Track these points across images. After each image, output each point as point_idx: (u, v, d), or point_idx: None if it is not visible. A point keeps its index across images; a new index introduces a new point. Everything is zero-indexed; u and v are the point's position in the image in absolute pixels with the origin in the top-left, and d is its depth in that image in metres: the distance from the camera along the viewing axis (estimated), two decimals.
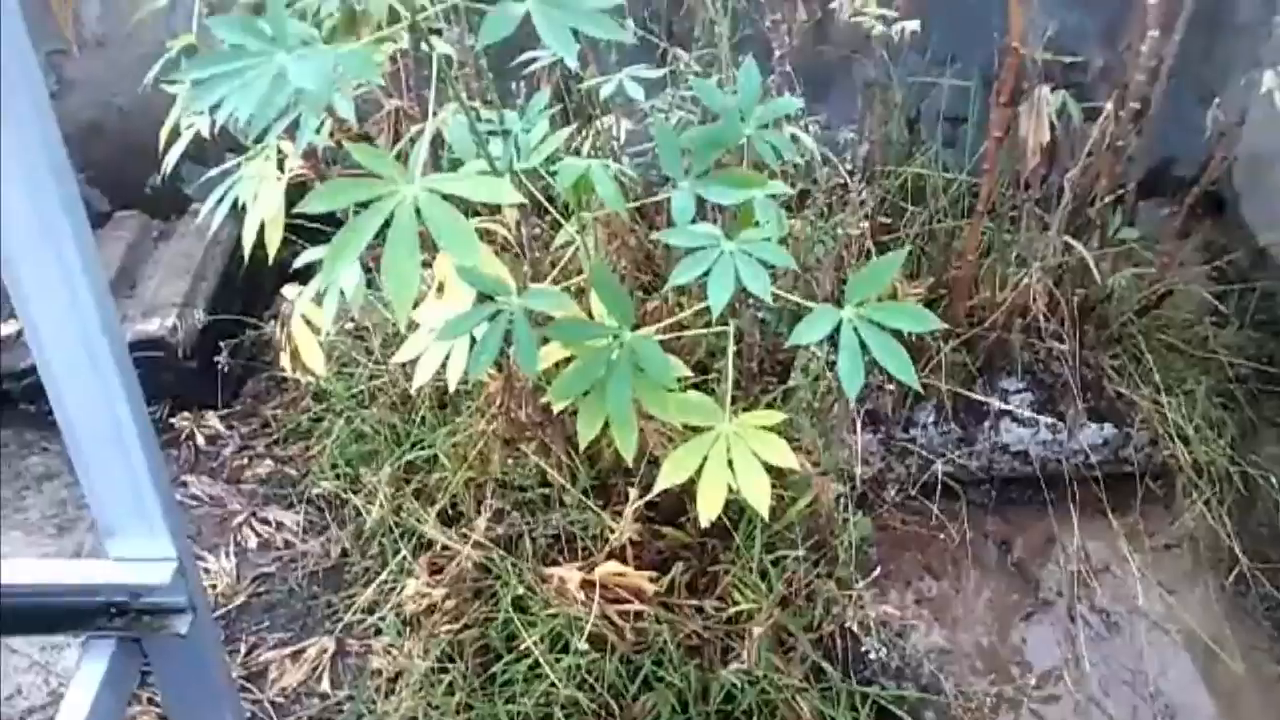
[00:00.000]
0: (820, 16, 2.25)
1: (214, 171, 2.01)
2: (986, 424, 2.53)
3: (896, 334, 1.39)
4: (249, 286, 3.12)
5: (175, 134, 2.14)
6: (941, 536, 2.48)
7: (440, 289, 1.68)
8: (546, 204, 1.77)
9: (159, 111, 2.15)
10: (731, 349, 1.60)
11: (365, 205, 1.20)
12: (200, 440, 2.89)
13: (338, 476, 2.57)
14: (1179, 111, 2.59)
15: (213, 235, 3.08)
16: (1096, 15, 2.98)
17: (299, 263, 1.90)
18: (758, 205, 1.48)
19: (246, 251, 1.89)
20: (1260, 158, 2.98)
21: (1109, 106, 2.19)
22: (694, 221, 1.48)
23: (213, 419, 2.94)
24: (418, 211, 1.17)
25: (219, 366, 2.80)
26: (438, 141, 1.79)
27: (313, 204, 1.20)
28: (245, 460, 2.85)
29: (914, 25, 1.94)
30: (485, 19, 1.24)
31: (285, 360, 1.98)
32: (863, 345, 1.38)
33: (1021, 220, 2.42)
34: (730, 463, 1.47)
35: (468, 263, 1.18)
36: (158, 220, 3.30)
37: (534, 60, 1.87)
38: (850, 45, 2.32)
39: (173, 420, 2.92)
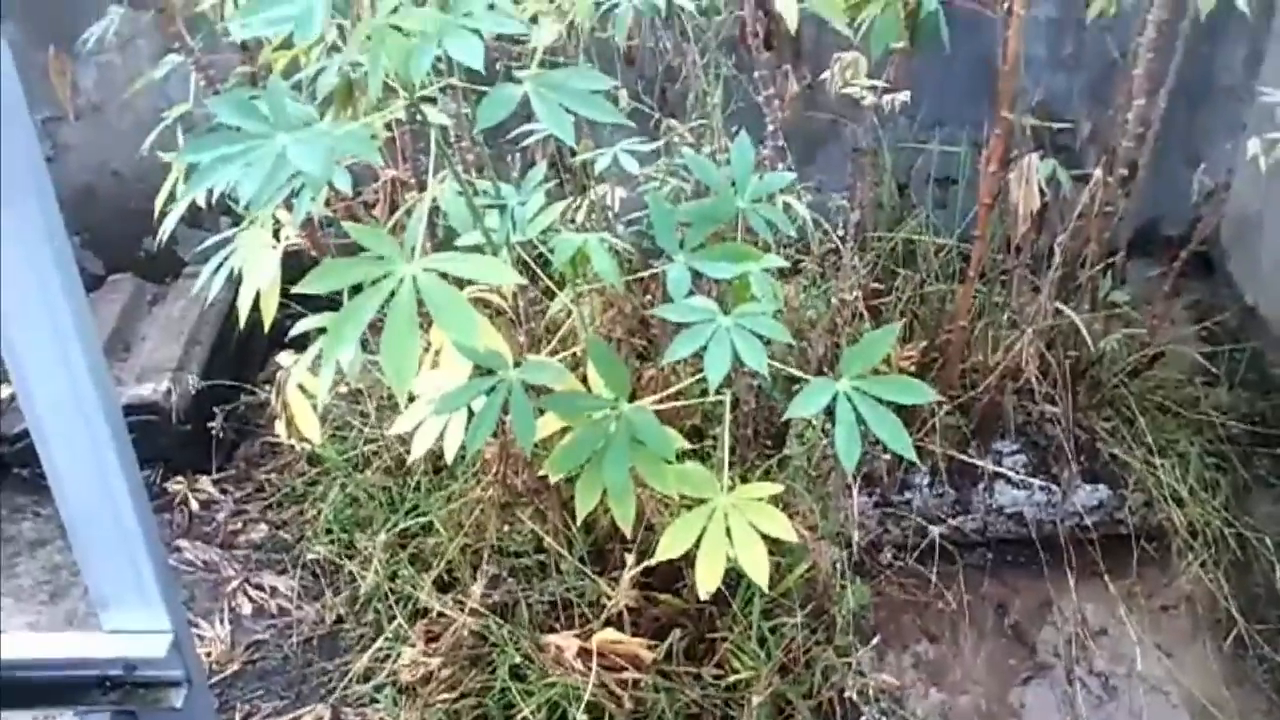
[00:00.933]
0: (810, 82, 2.27)
1: (210, 241, 2.02)
2: (981, 486, 2.53)
3: (892, 403, 1.40)
4: (243, 350, 3.12)
5: (171, 200, 2.16)
6: (939, 601, 2.48)
7: (436, 358, 1.69)
8: (541, 273, 1.78)
9: (154, 175, 2.17)
10: (728, 418, 1.61)
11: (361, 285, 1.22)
12: (194, 505, 2.88)
13: (332, 542, 2.56)
14: (1165, 173, 2.62)
15: (208, 299, 3.08)
16: (1082, 76, 3.03)
17: (295, 331, 1.91)
18: (753, 279, 1.49)
19: (242, 320, 1.90)
20: (1246, 218, 3.02)
21: (1098, 173, 2.21)
22: (690, 294, 1.49)
23: (206, 483, 2.93)
24: (417, 291, 1.18)
25: (213, 431, 2.80)
26: (434, 210, 1.81)
27: (313, 284, 1.21)
28: (239, 525, 2.84)
29: (904, 96, 1.96)
30: (483, 102, 1.25)
31: (281, 427, 1.99)
32: (859, 417, 1.39)
33: (1012, 284, 2.44)
34: (729, 533, 1.47)
35: (468, 342, 1.19)
36: (152, 283, 3.30)
37: (530, 133, 1.89)
38: (840, 110, 2.35)
39: (166, 485, 2.91)
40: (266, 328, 1.92)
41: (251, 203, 1.20)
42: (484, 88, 1.30)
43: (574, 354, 1.79)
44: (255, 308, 1.88)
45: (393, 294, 1.18)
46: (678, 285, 1.48)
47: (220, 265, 1.88)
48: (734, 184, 1.60)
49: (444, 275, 1.20)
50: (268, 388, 3.02)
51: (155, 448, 2.85)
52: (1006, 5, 2.08)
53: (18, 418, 2.78)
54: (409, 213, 1.89)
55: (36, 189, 1.20)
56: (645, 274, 1.93)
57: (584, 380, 1.69)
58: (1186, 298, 3.06)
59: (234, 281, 1.89)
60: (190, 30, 2.16)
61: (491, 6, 1.80)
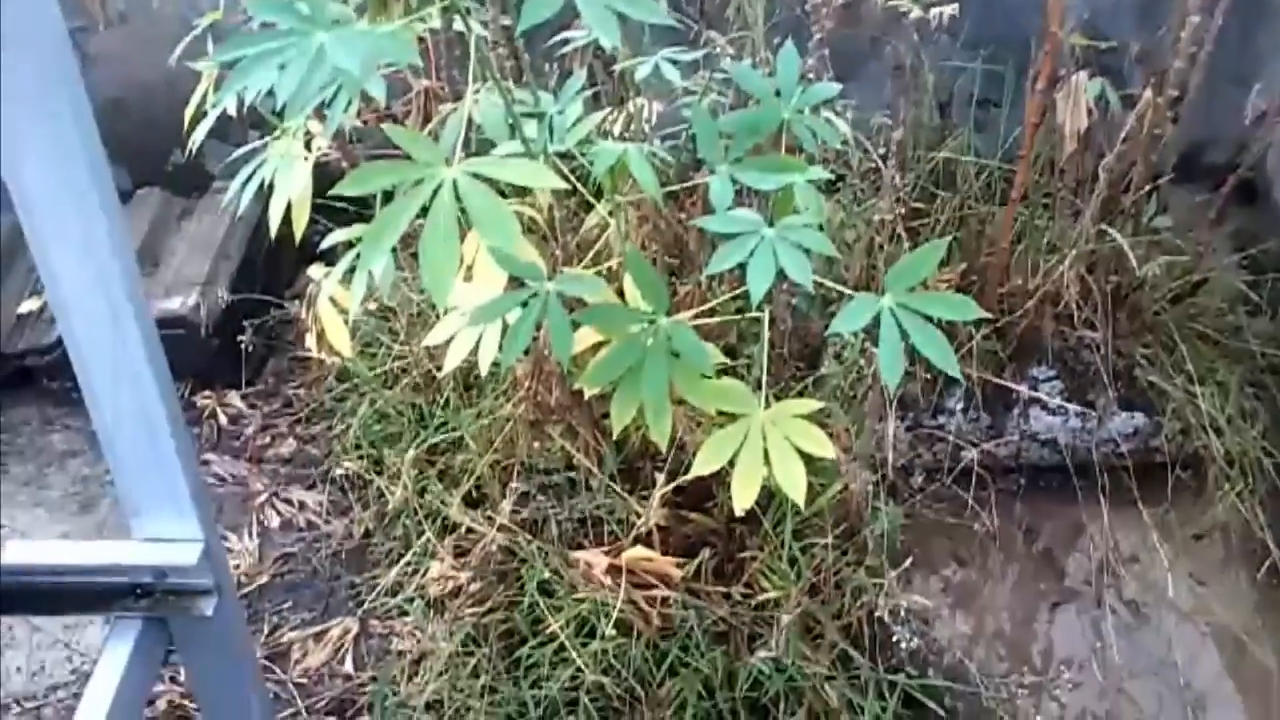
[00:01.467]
0: None
1: (239, 152, 1.99)
2: (1016, 412, 2.50)
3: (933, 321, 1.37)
4: (272, 264, 3.11)
5: (200, 113, 2.13)
6: (970, 526, 2.46)
7: (469, 271, 1.66)
8: (578, 186, 1.75)
9: (182, 88, 2.13)
10: (765, 335, 1.58)
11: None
12: (223, 419, 2.89)
13: (361, 457, 2.56)
14: (1214, 95, 2.55)
15: (237, 212, 3.06)
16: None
17: (326, 244, 1.89)
18: (797, 191, 1.46)
19: (273, 232, 1.88)
20: None
21: (1147, 94, 2.15)
22: (731, 207, 1.46)
23: (235, 398, 2.93)
24: (458, 196, 1.15)
25: (242, 345, 2.79)
26: (468, 123, 1.78)
27: (349, 186, 1.19)
28: (268, 440, 2.84)
29: (951, 9, 1.91)
30: (526, 1, 1.22)
31: (311, 341, 1.97)
32: (903, 334, 1.36)
33: (1055, 207, 2.39)
34: (765, 451, 1.45)
35: (507, 248, 1.16)
36: (180, 198, 3.28)
37: (567, 41, 1.85)
38: (881, 27, 2.29)
39: (195, 399, 2.92)
40: (297, 241, 1.90)
41: (289, 103, 1.17)
42: None
43: (609, 269, 1.77)
44: (285, 221, 1.85)
45: (433, 197, 1.15)
46: (721, 196, 1.44)
47: (250, 177, 1.85)
48: (778, 93, 1.56)
49: (484, 179, 1.18)
50: (297, 302, 3.02)
51: (184, 362, 2.85)
52: None
53: (46, 330, 2.78)
54: (442, 125, 1.86)
55: (71, 103, 1.17)
56: (680, 188, 1.89)
57: (620, 294, 1.67)
58: (1230, 225, 3.00)
59: (264, 195, 1.86)
60: None
61: None
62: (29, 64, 1.09)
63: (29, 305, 2.90)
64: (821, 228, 1.48)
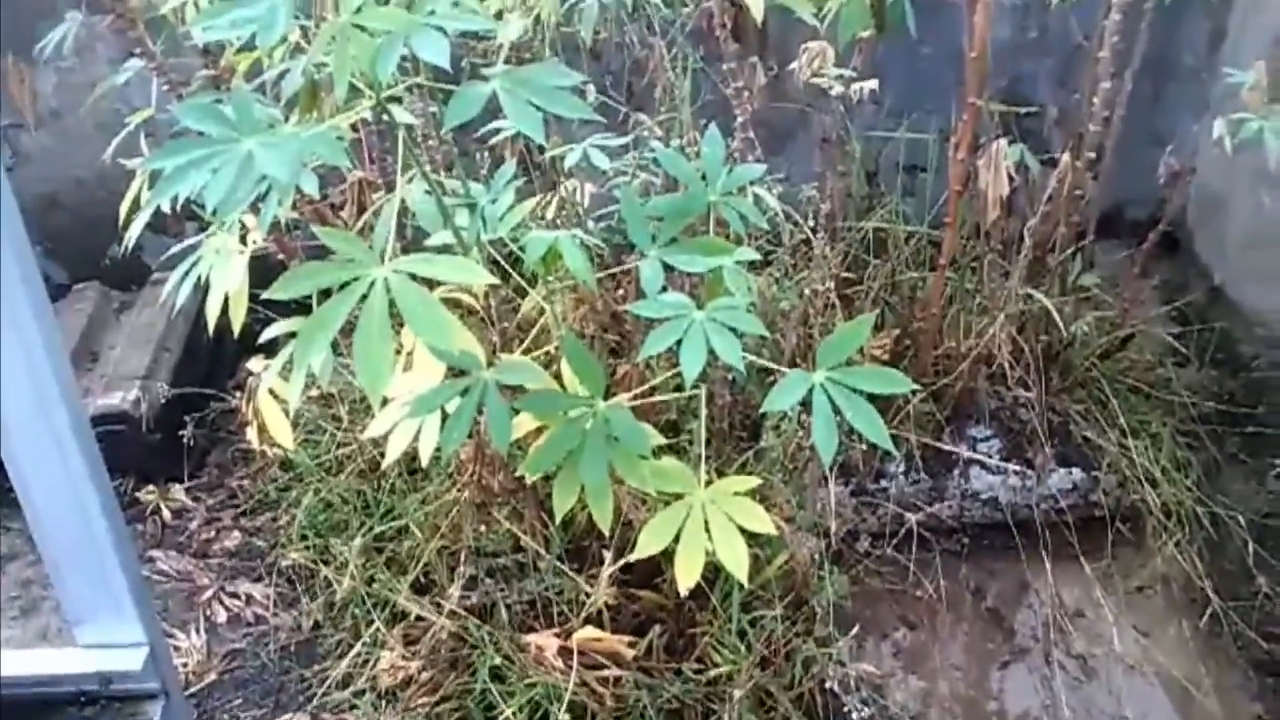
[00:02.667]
0: (777, 72, 2.27)
1: (177, 248, 2.00)
2: (956, 472, 2.54)
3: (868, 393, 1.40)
4: (212, 356, 3.09)
5: (135, 208, 2.14)
6: (916, 589, 2.48)
7: (409, 359, 1.67)
8: (512, 271, 1.77)
9: (117, 181, 2.14)
10: (704, 413, 1.60)
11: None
12: (166, 514, 2.85)
13: (307, 547, 2.54)
14: (1131, 154, 2.63)
15: (175, 307, 3.05)
16: (1048, 60, 3.03)
17: (265, 336, 1.89)
18: (726, 273, 1.48)
19: (211, 326, 1.88)
20: (1212, 198, 3.04)
21: (1065, 157, 2.22)
22: (663, 289, 1.48)
23: (178, 492, 2.90)
24: (389, 294, 1.17)
25: (184, 439, 2.77)
26: (402, 211, 1.80)
27: (282, 290, 1.20)
28: (213, 533, 2.81)
29: (871, 85, 1.96)
30: (451, 100, 1.24)
31: (252, 434, 1.97)
32: (835, 409, 1.39)
33: (983, 270, 2.45)
34: (707, 529, 1.47)
35: (442, 346, 1.18)
36: (118, 291, 3.27)
37: (498, 130, 1.88)
38: (807, 100, 2.34)
39: (137, 495, 2.88)
40: (236, 333, 1.90)
41: (218, 209, 1.18)
42: (451, 86, 1.29)
43: (547, 352, 1.79)
44: (224, 313, 1.86)
45: (364, 298, 1.17)
46: (651, 281, 1.47)
47: (187, 272, 1.86)
48: (704, 177, 1.59)
49: (415, 277, 1.19)
50: (238, 394, 3.00)
51: (126, 457, 2.82)
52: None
53: None
54: (377, 214, 1.88)
55: (6, 214, 1.18)
56: (617, 270, 1.92)
57: (558, 377, 1.68)
58: (1155, 278, 3.08)
59: (202, 288, 1.87)
60: (151, 34, 2.13)
61: (456, 3, 1.79)
62: None
63: None
64: (752, 306, 1.51)
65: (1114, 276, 2.81)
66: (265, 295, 1.20)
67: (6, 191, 1.16)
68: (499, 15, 2.05)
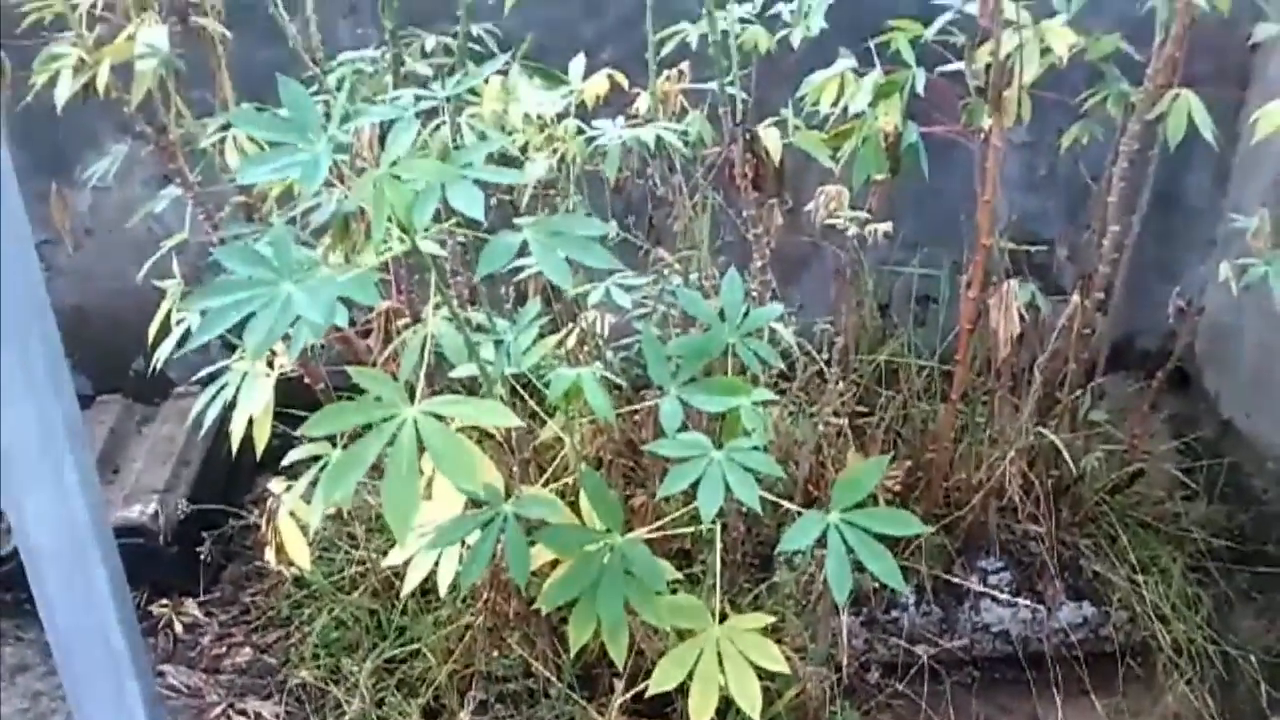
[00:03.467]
0: (792, 206, 2.34)
1: (205, 372, 2.04)
2: (967, 604, 2.54)
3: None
4: (231, 471, 3.12)
5: (165, 327, 2.20)
6: None
7: (428, 489, 1.71)
8: (530, 400, 1.81)
9: (145, 296, 2.20)
10: (719, 547, 1.63)
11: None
12: (178, 628, 2.86)
13: (318, 667, 2.55)
14: (1139, 288, 2.69)
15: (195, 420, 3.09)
16: (1057, 197, 3.11)
17: (288, 460, 1.92)
18: (744, 413, 1.52)
19: (234, 447, 1.92)
20: (1221, 332, 3.08)
21: (1075, 298, 2.27)
22: (683, 427, 1.52)
23: (191, 606, 2.91)
24: (418, 434, 1.21)
25: (200, 554, 2.79)
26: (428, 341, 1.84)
27: (316, 428, 1.24)
28: (224, 649, 2.82)
29: (886, 227, 2.02)
30: (485, 250, 1.30)
31: (270, 554, 1.99)
32: (849, 549, 1.42)
33: (993, 405, 2.48)
34: (721, 664, 1.49)
35: (468, 486, 1.22)
36: (140, 404, 3.32)
37: (523, 268, 1.94)
38: (822, 233, 2.40)
39: (150, 608, 2.89)
40: (259, 455, 1.94)
41: (256, 347, 1.23)
42: (480, 223, 1.34)
43: (565, 483, 1.82)
44: (247, 434, 1.90)
45: (394, 439, 1.21)
46: (670, 419, 1.51)
47: (216, 395, 1.91)
48: (723, 316, 1.64)
49: (442, 417, 1.23)
50: (254, 509, 3.03)
51: (141, 570, 2.83)
52: (983, 136, 2.15)
53: (3, 541, 2.78)
54: (404, 342, 1.93)
55: (40, 324, 1.23)
56: (639, 407, 1.96)
57: (575, 507, 1.71)
58: (1164, 411, 3.11)
59: (225, 404, 1.91)
60: (188, 161, 2.20)
61: (483, 136, 1.86)
62: (8, 308, 1.15)
63: None
64: (770, 444, 1.54)
65: (1123, 409, 2.84)
66: (301, 431, 1.24)
67: (46, 309, 1.21)
68: (524, 149, 2.13)
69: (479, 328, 1.74)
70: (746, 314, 1.63)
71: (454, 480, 1.22)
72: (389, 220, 1.32)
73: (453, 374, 1.73)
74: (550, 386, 1.59)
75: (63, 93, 1.89)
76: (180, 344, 2.09)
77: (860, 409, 2.61)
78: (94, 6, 2.06)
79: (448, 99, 1.65)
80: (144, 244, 2.44)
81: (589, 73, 2.17)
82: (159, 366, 2.25)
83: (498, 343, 1.63)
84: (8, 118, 1.23)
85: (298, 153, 1.31)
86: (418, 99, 1.58)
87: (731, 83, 1.92)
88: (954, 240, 2.58)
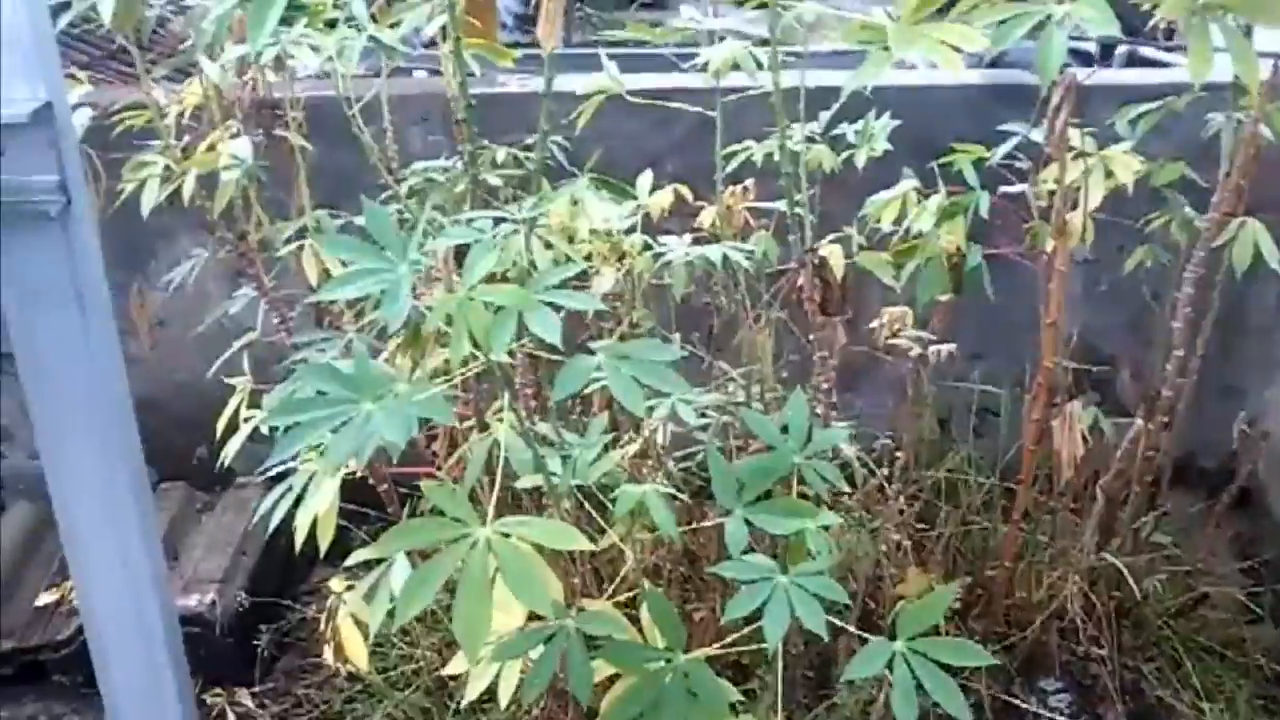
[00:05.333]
0: (852, 317, 2.36)
1: (270, 470, 2.08)
2: None
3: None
4: (287, 561, 3.15)
5: (234, 423, 2.25)
6: None
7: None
8: (586, 503, 1.82)
9: (210, 386, 2.27)
10: (780, 669, 1.62)
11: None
12: (232, 718, 2.87)
13: None
14: (1201, 405, 2.67)
15: (253, 511, 3.13)
16: (1120, 313, 3.10)
17: (351, 561, 1.94)
18: (809, 536, 1.53)
19: (298, 545, 1.95)
20: None
21: (1139, 421, 2.26)
22: (747, 549, 1.53)
23: (245, 697, 2.92)
24: (491, 555, 1.23)
25: (256, 645, 2.81)
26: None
27: (389, 545, 1.27)
28: None
29: (950, 348, 2.03)
30: (560, 374, 1.32)
31: (329, 652, 2.01)
32: (914, 676, 1.41)
33: (1055, 524, 2.47)
34: None
35: (537, 606, 1.23)
36: (202, 492, 3.37)
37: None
38: (884, 347, 2.42)
39: (204, 697, 2.90)
40: (323, 552, 1.96)
41: (334, 460, 1.26)
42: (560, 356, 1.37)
43: (628, 595, 1.82)
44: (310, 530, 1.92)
45: (466, 560, 1.23)
46: (736, 542, 1.52)
47: (282, 496, 1.94)
48: (785, 430, 1.65)
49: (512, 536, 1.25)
50: (310, 600, 3.06)
51: (197, 660, 2.81)
52: (1047, 257, 2.17)
53: (63, 624, 2.81)
54: (470, 449, 1.95)
55: (119, 417, 1.27)
56: (702, 525, 1.97)
57: (635, 619, 1.72)
58: (1227, 530, 3.07)
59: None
60: (264, 265, 2.27)
61: (549, 245, 1.90)
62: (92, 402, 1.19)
63: (47, 598, 2.94)
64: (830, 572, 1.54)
65: (1186, 528, 2.81)
66: (369, 555, 1.27)
67: (127, 403, 1.25)
68: (588, 257, 2.17)
69: (545, 440, 1.76)
70: (811, 435, 1.64)
71: (524, 601, 1.24)
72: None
73: (518, 484, 1.75)
74: (615, 503, 1.61)
75: (149, 200, 1.96)
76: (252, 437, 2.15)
77: (920, 524, 2.60)
78: (181, 115, 2.14)
79: (523, 221, 1.69)
80: (214, 334, 2.50)
81: (655, 183, 2.22)
82: (226, 462, 2.30)
83: (565, 458, 1.65)
84: (99, 225, 1.29)
85: (380, 274, 1.35)
86: (495, 220, 1.63)
87: (798, 203, 1.95)
88: (1015, 352, 2.58)
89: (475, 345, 1.42)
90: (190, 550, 3.11)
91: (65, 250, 1.23)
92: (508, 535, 1.26)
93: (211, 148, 1.98)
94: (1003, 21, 1.55)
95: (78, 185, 1.24)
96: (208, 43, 1.83)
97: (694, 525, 1.96)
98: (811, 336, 1.78)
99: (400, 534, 1.28)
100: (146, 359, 3.29)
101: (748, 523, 1.55)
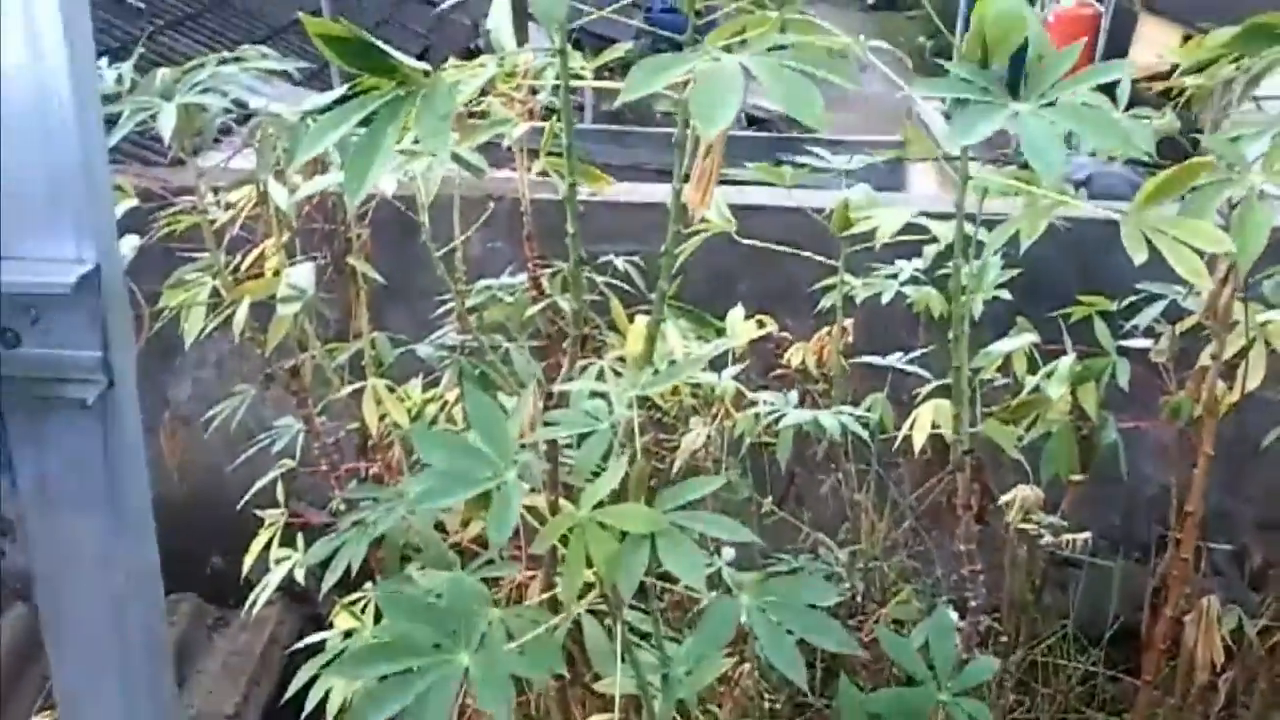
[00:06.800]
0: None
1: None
2: None
3: None
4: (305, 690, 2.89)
5: (265, 552, 2.08)
6: None
7: None
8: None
9: (229, 489, 2.15)
10: None
11: None
12: None
13: None
14: None
15: (271, 634, 2.88)
16: (1249, 497, 2.84)
17: None
18: None
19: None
20: None
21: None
22: None
23: None
24: None
25: None
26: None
27: None
28: None
29: (1084, 536, 1.79)
30: (703, 622, 1.08)
31: None
32: None
33: None
34: None
35: None
36: (213, 605, 3.11)
37: None
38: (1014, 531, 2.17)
39: None
40: None
41: None
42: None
43: None
44: None
45: None
46: None
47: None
48: (931, 665, 1.41)
49: None
50: None
51: None
52: (1182, 432, 1.93)
53: None
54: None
55: (154, 651, 1.10)
56: None
57: None
58: None
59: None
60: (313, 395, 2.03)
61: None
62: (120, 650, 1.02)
63: None
64: None
65: None
66: None
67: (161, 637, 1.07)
68: (680, 402, 1.95)
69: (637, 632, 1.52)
70: (961, 672, 1.39)
71: None
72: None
73: (597, 685, 1.51)
74: None
75: (193, 331, 1.72)
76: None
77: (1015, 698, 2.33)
78: (232, 222, 1.91)
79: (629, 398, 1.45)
80: (237, 437, 2.28)
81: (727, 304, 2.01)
82: (256, 604, 2.10)
83: (665, 677, 1.40)
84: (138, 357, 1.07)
85: (479, 480, 1.11)
86: (597, 394, 1.39)
87: (960, 377, 1.64)
88: (1135, 532, 2.33)
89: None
90: (198, 674, 2.86)
91: (101, 446, 1.00)
92: None
93: (264, 270, 1.75)
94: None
95: (124, 362, 1.01)
96: (274, 165, 1.60)
97: None
98: (964, 548, 1.52)
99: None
100: (162, 462, 3.06)
101: None
